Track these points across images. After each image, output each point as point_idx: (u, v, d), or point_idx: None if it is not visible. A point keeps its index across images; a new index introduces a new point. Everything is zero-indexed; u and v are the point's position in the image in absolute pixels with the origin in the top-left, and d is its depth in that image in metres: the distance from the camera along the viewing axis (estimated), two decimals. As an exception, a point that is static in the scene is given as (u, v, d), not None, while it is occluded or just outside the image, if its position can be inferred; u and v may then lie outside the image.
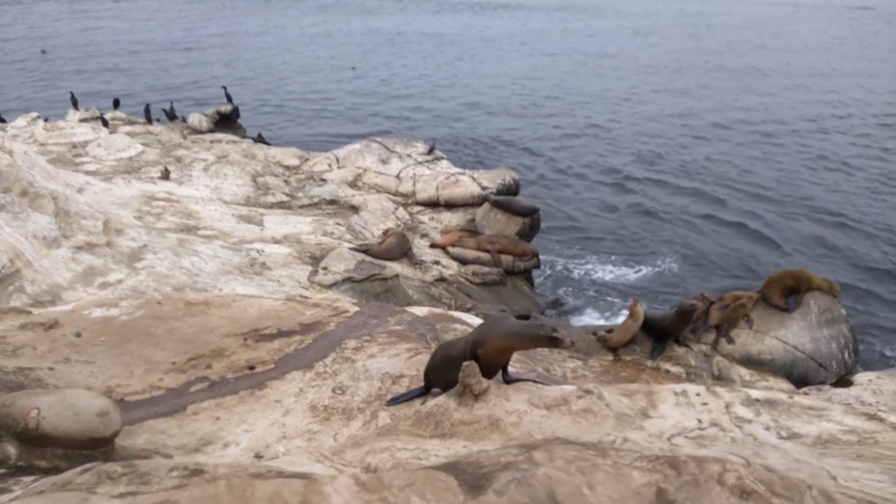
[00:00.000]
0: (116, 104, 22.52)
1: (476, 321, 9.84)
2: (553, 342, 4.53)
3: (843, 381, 10.23)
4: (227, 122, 23.24)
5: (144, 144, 17.96)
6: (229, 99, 23.99)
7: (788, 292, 11.52)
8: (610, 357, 10.18)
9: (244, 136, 22.37)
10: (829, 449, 4.98)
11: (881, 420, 6.12)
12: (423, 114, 34.27)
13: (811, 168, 27.14)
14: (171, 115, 22.24)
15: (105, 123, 19.82)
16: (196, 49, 50.13)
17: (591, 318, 15.56)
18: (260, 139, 21.62)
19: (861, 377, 9.75)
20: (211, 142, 19.70)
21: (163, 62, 44.68)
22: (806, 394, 8.22)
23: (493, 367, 4.81)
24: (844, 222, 21.58)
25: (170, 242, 10.91)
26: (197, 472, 2.44)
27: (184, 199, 13.83)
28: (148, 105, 22.58)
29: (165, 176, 15.09)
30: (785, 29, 70.80)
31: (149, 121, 21.63)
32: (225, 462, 3.81)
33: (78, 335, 5.80)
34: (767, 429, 5.32)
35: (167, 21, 64.32)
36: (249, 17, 68.41)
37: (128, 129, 20.34)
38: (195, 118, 21.77)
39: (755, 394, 6.11)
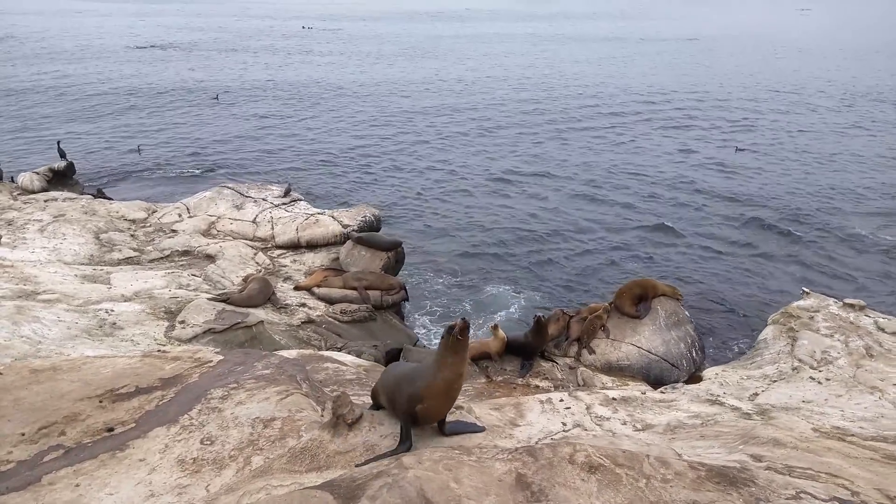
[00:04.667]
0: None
1: (348, 358, 9.86)
2: (464, 332, 4.56)
3: (694, 378, 11.17)
4: (61, 179, 21.74)
5: (-33, 209, 16.46)
6: (62, 155, 22.50)
7: (638, 300, 12.43)
8: (483, 379, 10.51)
9: (82, 193, 21.02)
10: (677, 433, 5.52)
11: (721, 404, 6.85)
12: (274, 157, 33.84)
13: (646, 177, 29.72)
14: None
15: (-84, 189, 17.94)
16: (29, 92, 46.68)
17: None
18: (100, 194, 20.40)
19: (709, 372, 10.73)
20: (45, 201, 18.33)
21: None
22: (662, 392, 8.94)
23: (438, 414, 4.70)
24: (672, 227, 23.85)
25: (6, 311, 10.06)
26: (60, 528, 2.35)
27: (18, 263, 12.79)
28: None
29: (-5, 241, 13.90)
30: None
31: None
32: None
33: None
34: (624, 423, 5.81)
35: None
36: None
37: (-56, 193, 18.54)
38: (25, 178, 20.17)
39: (612, 393, 6.65)
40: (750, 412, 6.00)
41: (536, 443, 4.92)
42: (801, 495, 2.75)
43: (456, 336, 4.47)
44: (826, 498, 2.77)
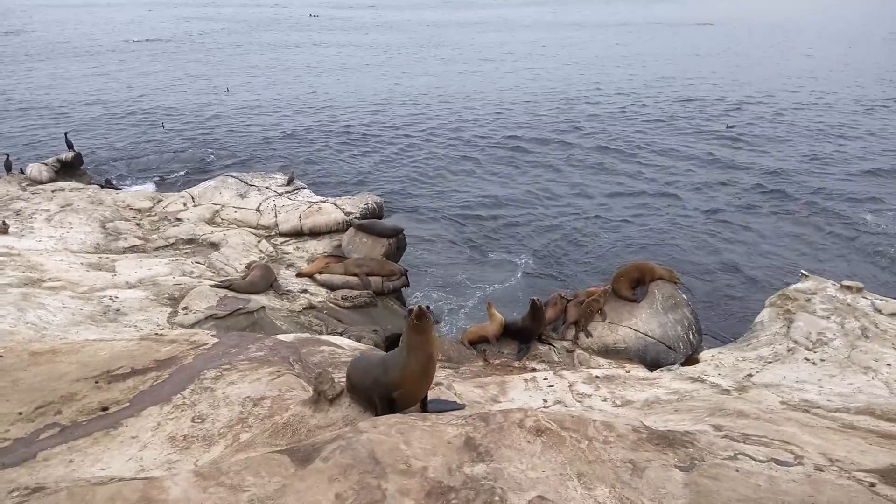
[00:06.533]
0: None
1: (346, 342, 10.01)
2: (421, 317, 4.45)
3: (691, 360, 11.23)
4: (69, 170, 21.99)
5: (-24, 200, 16.74)
6: (70, 146, 22.76)
7: (635, 284, 12.50)
8: (480, 363, 10.65)
9: (90, 183, 21.28)
10: (653, 409, 5.64)
11: (703, 381, 6.95)
12: (276, 145, 34.01)
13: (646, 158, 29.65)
14: (7, 167, 20.87)
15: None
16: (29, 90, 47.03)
17: (465, 330, 16.10)
18: (108, 185, 20.67)
19: (705, 354, 10.79)
20: (53, 191, 18.59)
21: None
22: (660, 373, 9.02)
23: (416, 397, 4.71)
24: (673, 207, 23.85)
25: (12, 298, 10.29)
26: (38, 489, 2.52)
27: (25, 252, 13.04)
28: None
29: (3, 230, 14.16)
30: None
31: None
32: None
33: None
34: (605, 400, 5.93)
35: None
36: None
37: (-46, 185, 18.84)
38: (34, 168, 20.43)
39: (596, 372, 6.77)
40: (729, 388, 6.10)
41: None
42: (739, 456, 2.87)
43: (413, 320, 4.44)
44: (764, 459, 2.89)
